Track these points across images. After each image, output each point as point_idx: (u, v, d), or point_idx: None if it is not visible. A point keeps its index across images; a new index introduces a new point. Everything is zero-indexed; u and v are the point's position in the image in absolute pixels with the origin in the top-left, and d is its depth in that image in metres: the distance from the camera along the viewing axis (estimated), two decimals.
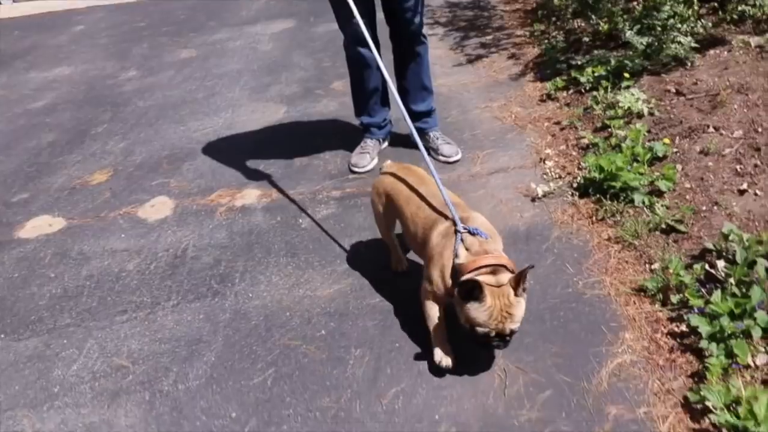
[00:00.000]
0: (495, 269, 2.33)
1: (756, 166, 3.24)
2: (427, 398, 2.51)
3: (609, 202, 3.40)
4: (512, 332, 2.36)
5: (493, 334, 2.33)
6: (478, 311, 2.29)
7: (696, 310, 2.60)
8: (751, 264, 2.68)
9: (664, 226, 3.17)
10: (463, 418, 2.41)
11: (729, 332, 2.44)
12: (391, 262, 3.23)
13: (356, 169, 4.15)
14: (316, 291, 3.20)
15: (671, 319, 2.71)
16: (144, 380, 2.81)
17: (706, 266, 2.81)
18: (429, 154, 4.21)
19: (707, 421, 2.25)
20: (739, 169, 3.28)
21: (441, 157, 4.13)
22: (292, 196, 4.06)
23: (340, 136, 4.65)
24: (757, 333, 2.44)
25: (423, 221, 2.65)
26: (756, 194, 3.09)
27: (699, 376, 2.41)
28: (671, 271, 2.79)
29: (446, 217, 2.58)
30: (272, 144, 4.76)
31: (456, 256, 2.41)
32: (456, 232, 2.46)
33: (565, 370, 2.55)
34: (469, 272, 2.31)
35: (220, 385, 2.72)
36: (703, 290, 2.67)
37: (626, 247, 3.14)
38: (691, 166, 3.46)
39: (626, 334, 2.67)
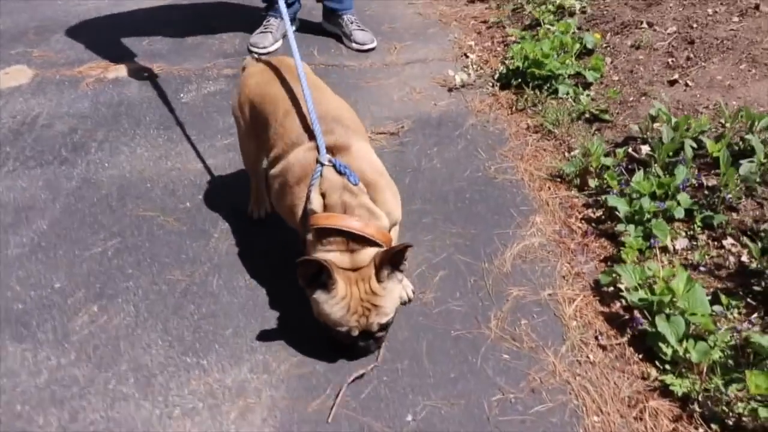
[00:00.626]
0: (353, 242, 1.64)
1: (689, 58, 2.96)
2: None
3: (531, 92, 3.04)
4: (383, 326, 1.70)
5: (356, 333, 1.66)
6: (329, 304, 1.62)
7: (615, 192, 2.29)
8: (677, 149, 2.39)
9: (587, 115, 2.85)
10: None
11: (649, 213, 2.14)
12: (251, 202, 2.36)
13: (255, 50, 3.60)
14: (188, 164, 2.69)
15: (587, 205, 2.39)
16: None
17: (630, 150, 2.50)
18: (341, 40, 3.72)
19: (618, 304, 1.95)
20: (670, 62, 2.99)
21: (354, 44, 3.64)
22: (177, 71, 3.47)
23: (242, 19, 4.06)
24: (679, 213, 2.15)
25: (286, 134, 1.85)
26: (687, 85, 2.81)
27: (612, 260, 2.10)
28: (592, 155, 2.46)
29: (305, 139, 1.82)
30: (163, 23, 4.10)
31: (308, 199, 1.72)
32: (318, 162, 1.73)
33: (465, 250, 2.19)
34: (316, 237, 1.66)
35: (47, 254, 2.19)
36: (624, 173, 2.36)
37: (545, 135, 2.81)
38: (621, 59, 3.15)
39: (537, 217, 2.33)
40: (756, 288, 1.87)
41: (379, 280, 1.64)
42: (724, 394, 1.56)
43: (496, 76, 3.29)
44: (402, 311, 1.91)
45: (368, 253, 1.65)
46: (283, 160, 1.82)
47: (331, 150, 1.76)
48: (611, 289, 1.99)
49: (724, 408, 1.56)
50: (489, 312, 1.94)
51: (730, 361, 1.66)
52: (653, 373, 1.71)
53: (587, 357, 1.78)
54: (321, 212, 1.67)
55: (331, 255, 1.63)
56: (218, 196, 2.48)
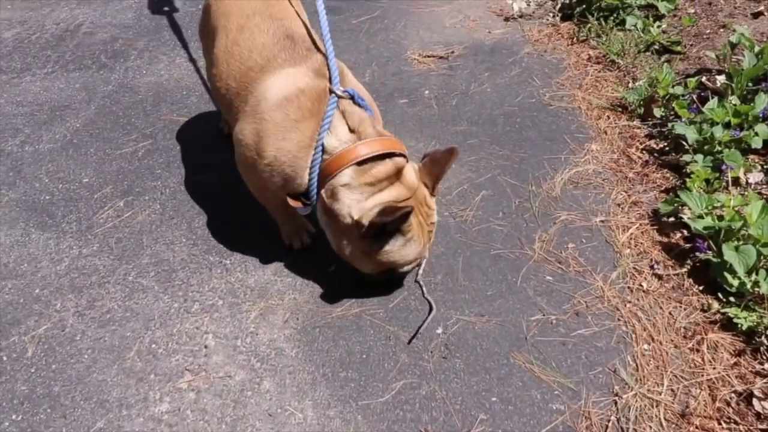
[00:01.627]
0: (391, 164, 1.39)
1: None
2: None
3: (595, 21, 2.80)
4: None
5: (422, 262, 1.56)
6: (405, 248, 1.42)
7: (683, 121, 2.07)
8: (759, 79, 2.14)
9: (656, 46, 2.60)
10: None
11: (721, 143, 1.92)
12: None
13: None
14: None
15: (649, 135, 2.18)
16: None
17: (703, 79, 2.26)
18: None
19: (678, 234, 1.76)
20: None
21: None
22: None
23: None
24: (756, 144, 1.93)
25: (251, 56, 1.48)
26: None
27: (674, 191, 1.91)
28: (660, 83, 2.23)
29: (298, 60, 1.45)
30: None
31: (321, 138, 1.39)
32: (331, 93, 1.41)
33: (511, 172, 2.02)
34: (354, 179, 1.37)
35: (78, 151, 2.14)
36: (696, 102, 2.13)
37: (607, 66, 2.58)
38: None
39: (593, 145, 2.14)
40: None
41: (432, 195, 1.48)
42: None
43: (558, 6, 3.05)
44: (439, 228, 1.77)
45: (409, 172, 1.44)
46: (257, 92, 1.42)
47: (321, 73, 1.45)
48: (672, 219, 1.81)
49: None
50: (533, 234, 1.78)
51: None
52: (715, 305, 1.53)
53: (640, 285, 1.61)
54: (352, 144, 1.38)
55: (387, 193, 1.38)
56: None
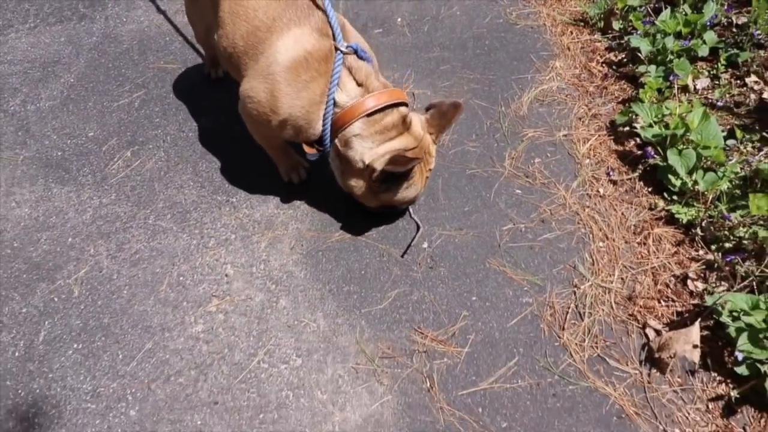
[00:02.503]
0: (396, 113, 1.54)
1: None
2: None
3: None
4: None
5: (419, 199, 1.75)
6: (406, 190, 1.62)
7: (639, 33, 2.23)
8: None
9: None
10: None
11: (672, 53, 2.10)
12: (206, 66, 2.30)
13: None
14: None
15: (609, 48, 2.34)
16: None
17: None
18: None
19: (631, 143, 1.98)
20: None
21: None
22: None
23: None
24: (703, 52, 2.10)
25: (257, 16, 1.57)
26: None
27: (630, 102, 2.10)
28: None
29: (302, 19, 1.54)
30: None
31: (332, 94, 1.52)
32: (337, 50, 1.52)
33: (482, 95, 2.20)
34: (365, 129, 1.52)
35: (78, 106, 2.27)
36: (651, 14, 2.28)
37: None
38: None
39: (557, 62, 2.30)
40: None
41: (434, 143, 1.65)
42: (727, 219, 1.63)
43: None
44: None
45: (416, 123, 1.59)
46: (267, 53, 1.53)
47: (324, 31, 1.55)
48: (626, 128, 2.02)
49: (726, 233, 1.64)
50: (504, 152, 1.99)
51: (737, 191, 1.71)
52: (660, 204, 1.78)
53: (597, 191, 1.85)
54: (361, 98, 1.51)
55: (397, 142, 1.53)
56: None
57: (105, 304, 1.66)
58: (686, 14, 2.20)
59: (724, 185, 1.71)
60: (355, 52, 1.53)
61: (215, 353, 1.54)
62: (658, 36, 2.17)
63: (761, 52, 2.10)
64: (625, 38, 2.26)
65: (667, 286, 1.59)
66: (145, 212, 1.89)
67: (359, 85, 1.53)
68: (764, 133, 1.86)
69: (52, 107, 2.28)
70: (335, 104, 1.53)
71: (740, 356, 1.32)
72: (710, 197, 1.70)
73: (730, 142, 1.85)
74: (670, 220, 1.73)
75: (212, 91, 2.27)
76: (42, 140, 2.15)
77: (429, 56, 2.35)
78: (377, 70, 1.62)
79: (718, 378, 1.39)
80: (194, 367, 1.52)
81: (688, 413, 1.35)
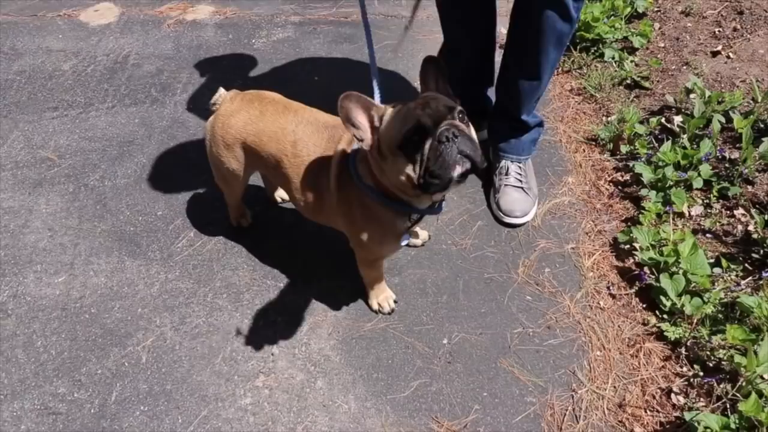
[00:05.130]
0: None
1: (735, 29, 3.09)
2: None
3: (578, 54, 3.23)
4: (450, 108, 1.50)
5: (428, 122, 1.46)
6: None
7: (643, 159, 2.55)
8: (708, 121, 2.60)
9: (629, 81, 3.04)
10: None
11: (671, 181, 2.40)
12: (231, 216, 2.40)
13: None
14: None
15: (617, 169, 2.66)
16: (69, 174, 2.68)
17: (663, 120, 2.72)
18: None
19: (631, 260, 2.26)
20: (717, 32, 3.12)
21: (497, 210, 2.45)
22: (248, 16, 3.75)
23: None
24: (698, 183, 2.41)
25: (311, 156, 1.80)
26: (729, 57, 2.97)
27: (632, 221, 2.40)
28: (627, 122, 2.70)
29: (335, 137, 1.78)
30: None
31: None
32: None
33: None
34: None
35: (149, 186, 2.61)
36: (654, 142, 2.60)
37: (587, 98, 3.03)
38: (670, 25, 3.29)
39: (570, 178, 2.61)
40: (755, 255, 2.15)
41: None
42: (709, 342, 1.89)
43: None
44: (444, 255, 2.28)
45: None
46: (330, 186, 1.76)
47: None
48: (627, 246, 2.30)
49: (708, 353, 1.90)
50: (518, 260, 2.28)
51: (720, 316, 1.97)
52: (652, 320, 2.04)
53: (598, 303, 2.12)
54: None
55: None
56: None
57: (168, 371, 1.94)
58: (685, 147, 2.51)
59: (709, 310, 1.98)
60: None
61: (260, 425, 1.81)
62: (660, 164, 2.48)
63: (749, 188, 2.40)
64: (631, 163, 2.57)
65: (653, 397, 1.84)
66: (205, 290, 2.19)
67: None
68: (746, 265, 2.13)
69: (126, 185, 2.62)
70: None
71: None
72: (695, 319, 1.97)
73: (717, 270, 2.12)
74: (660, 336, 2.00)
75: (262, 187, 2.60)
76: (117, 215, 2.48)
77: None
78: None
79: None
80: None
81: None
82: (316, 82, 3.17)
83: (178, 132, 2.89)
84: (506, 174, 2.46)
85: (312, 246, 2.33)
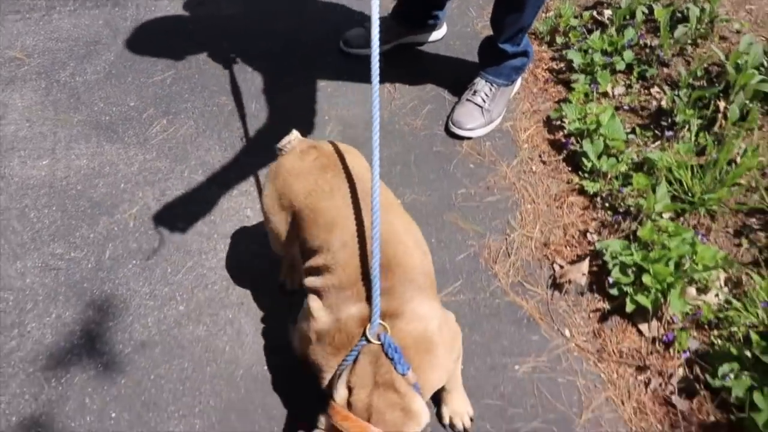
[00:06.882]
0: None
1: None
2: (320, 101, 2.69)
3: None
4: None
5: None
6: None
7: (575, 48, 2.83)
8: (633, 12, 2.88)
9: None
10: (350, 119, 2.62)
11: (598, 65, 2.70)
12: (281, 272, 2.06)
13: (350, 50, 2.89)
14: (222, 11, 3.17)
15: (552, 58, 2.93)
16: (40, 71, 2.81)
17: (594, 13, 2.99)
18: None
19: (560, 133, 2.57)
20: None
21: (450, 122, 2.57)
22: None
23: None
24: (621, 66, 2.71)
25: (338, 272, 1.42)
26: None
27: (563, 102, 2.69)
28: (562, 16, 2.96)
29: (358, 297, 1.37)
30: None
31: (336, 378, 1.34)
32: (363, 335, 1.31)
33: (447, 84, 2.75)
34: (330, 420, 1.28)
35: (119, 80, 2.77)
36: (586, 33, 2.88)
37: None
38: None
39: None
40: (663, 124, 2.49)
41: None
42: (620, 191, 2.24)
43: None
44: (397, 134, 2.54)
45: None
46: (327, 305, 1.41)
47: (383, 315, 1.32)
48: (558, 122, 2.61)
49: (619, 202, 2.25)
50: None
51: (631, 172, 2.32)
52: (575, 179, 2.38)
53: (531, 168, 2.44)
54: (341, 407, 1.28)
55: None
56: (256, 38, 2.98)
57: (154, 233, 2.19)
58: (612, 36, 2.80)
59: (622, 168, 2.32)
60: (382, 346, 1.28)
61: (241, 269, 2.10)
62: (590, 51, 2.77)
63: (665, 69, 2.72)
64: (565, 52, 2.85)
65: (573, 237, 2.20)
66: (181, 167, 2.42)
67: (349, 389, 1.29)
68: (656, 132, 2.48)
69: (97, 80, 2.78)
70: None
71: (611, 281, 1.93)
72: (611, 176, 2.31)
73: (631, 136, 2.46)
74: (581, 191, 2.33)
75: (236, 75, 2.79)
76: (92, 107, 2.65)
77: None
78: (402, 386, 1.28)
79: (598, 297, 2.00)
80: (225, 279, 2.07)
81: (576, 319, 1.96)
82: None
83: (141, 32, 3.02)
84: (474, 91, 2.54)
85: (282, 125, 2.55)
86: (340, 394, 1.29)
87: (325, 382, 1.37)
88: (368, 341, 1.29)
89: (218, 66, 2.84)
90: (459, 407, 1.68)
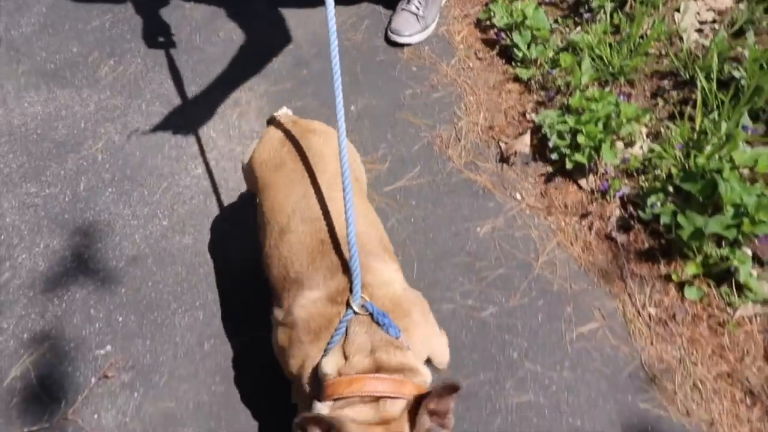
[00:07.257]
0: (371, 411, 1.18)
1: None
2: (264, 27, 2.78)
3: None
4: None
5: None
6: None
7: None
8: None
9: None
10: (299, 40, 2.74)
11: None
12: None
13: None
14: None
15: None
16: None
17: None
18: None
19: (491, 32, 2.77)
20: None
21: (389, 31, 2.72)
22: None
23: None
24: None
25: (283, 264, 1.44)
26: None
27: (491, 2, 2.88)
28: None
29: (322, 281, 1.36)
30: None
31: (324, 356, 1.27)
32: (347, 306, 1.29)
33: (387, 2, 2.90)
34: (332, 398, 1.20)
35: (56, 29, 2.78)
36: None
37: None
38: None
39: None
40: (581, 11, 2.72)
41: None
42: (550, 73, 2.47)
43: None
44: (341, 49, 2.67)
45: (399, 403, 1.18)
46: (285, 303, 1.39)
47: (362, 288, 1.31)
48: (488, 22, 2.81)
49: (551, 83, 2.48)
50: (402, 46, 2.73)
51: (557, 56, 2.55)
52: (510, 70, 2.59)
53: (469, 65, 2.64)
54: (339, 377, 1.22)
55: (349, 409, 1.18)
56: None
57: (124, 162, 2.29)
58: None
59: (550, 53, 2.55)
60: (371, 314, 1.27)
61: (215, 185, 2.23)
62: None
63: None
64: None
65: (514, 118, 2.42)
66: (138, 102, 2.49)
67: (346, 357, 1.24)
68: (575, 19, 2.71)
69: (33, 31, 2.77)
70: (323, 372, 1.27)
71: (551, 145, 2.17)
72: (540, 61, 2.54)
73: (555, 26, 2.68)
74: (516, 79, 2.56)
75: (170, 12, 2.84)
76: (34, 57, 2.66)
77: None
78: (401, 345, 1.27)
79: (541, 164, 2.25)
80: (202, 193, 2.20)
81: (525, 184, 2.20)
82: None
83: None
84: (408, 0, 2.69)
85: (227, 56, 2.65)
86: (332, 364, 1.24)
87: (306, 379, 1.31)
88: (355, 313, 1.27)
89: (155, 5, 2.88)
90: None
